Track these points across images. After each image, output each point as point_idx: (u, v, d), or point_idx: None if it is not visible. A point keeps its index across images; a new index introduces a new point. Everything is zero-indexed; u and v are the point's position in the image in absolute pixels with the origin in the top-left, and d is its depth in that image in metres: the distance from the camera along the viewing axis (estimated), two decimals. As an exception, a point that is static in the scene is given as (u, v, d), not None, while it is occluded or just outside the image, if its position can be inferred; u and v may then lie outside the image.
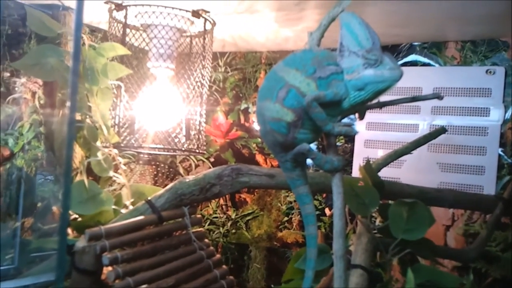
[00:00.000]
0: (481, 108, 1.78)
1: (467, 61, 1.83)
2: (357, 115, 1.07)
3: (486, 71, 1.77)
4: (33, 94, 1.73)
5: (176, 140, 1.68)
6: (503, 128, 1.75)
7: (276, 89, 0.98)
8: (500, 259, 1.69)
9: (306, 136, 1.00)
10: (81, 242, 1.32)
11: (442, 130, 1.51)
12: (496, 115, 1.76)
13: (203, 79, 1.69)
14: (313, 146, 1.04)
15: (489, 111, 1.77)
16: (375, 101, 1.00)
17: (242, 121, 2.22)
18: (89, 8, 1.68)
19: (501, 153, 1.75)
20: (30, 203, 1.70)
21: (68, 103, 0.86)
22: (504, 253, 1.70)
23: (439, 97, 1.05)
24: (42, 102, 1.73)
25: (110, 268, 1.30)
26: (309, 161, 1.04)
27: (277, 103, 0.97)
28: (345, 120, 1.06)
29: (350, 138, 1.98)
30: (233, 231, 2.19)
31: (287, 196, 2.12)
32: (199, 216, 1.65)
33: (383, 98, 0.99)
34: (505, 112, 1.75)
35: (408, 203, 1.24)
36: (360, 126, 1.95)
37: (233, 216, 2.20)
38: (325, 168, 1.01)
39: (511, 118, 1.74)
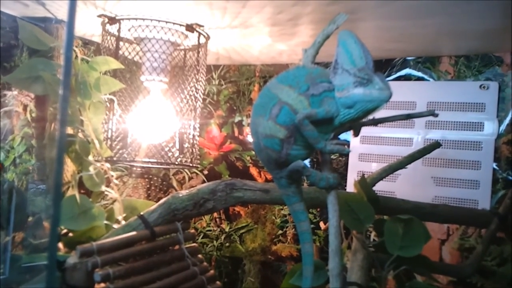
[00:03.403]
0: (475, 122, 1.78)
1: (460, 75, 1.83)
2: (351, 132, 1.07)
3: (480, 86, 1.78)
4: (25, 107, 1.71)
5: (170, 154, 1.66)
6: (497, 142, 1.75)
7: (269, 106, 0.98)
8: (496, 273, 1.69)
9: (300, 153, 0.99)
10: (72, 259, 1.30)
11: (436, 145, 1.50)
12: (490, 130, 1.76)
13: (197, 93, 1.68)
14: (306, 162, 1.02)
15: (483, 125, 1.77)
16: (370, 117, 0.99)
17: (236, 133, 2.21)
18: (82, 21, 1.67)
19: (495, 167, 1.75)
20: (21, 216, 1.67)
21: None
22: (500, 268, 1.69)
23: (433, 114, 1.05)
24: (33, 115, 1.71)
25: (102, 285, 1.29)
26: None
27: (270, 120, 0.97)
28: (342, 135, 1.06)
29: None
30: (227, 244, 2.17)
31: (281, 209, 2.10)
32: (192, 231, 1.63)
33: (379, 114, 0.99)
34: (499, 126, 1.75)
35: (403, 219, 1.23)
36: (354, 139, 1.94)
37: (227, 229, 2.18)
38: (320, 185, 1.00)
39: (505, 133, 1.75)
